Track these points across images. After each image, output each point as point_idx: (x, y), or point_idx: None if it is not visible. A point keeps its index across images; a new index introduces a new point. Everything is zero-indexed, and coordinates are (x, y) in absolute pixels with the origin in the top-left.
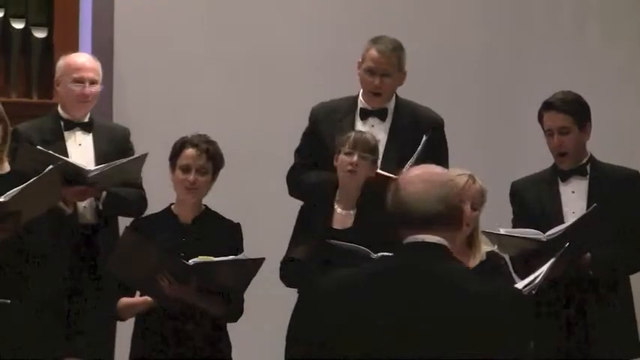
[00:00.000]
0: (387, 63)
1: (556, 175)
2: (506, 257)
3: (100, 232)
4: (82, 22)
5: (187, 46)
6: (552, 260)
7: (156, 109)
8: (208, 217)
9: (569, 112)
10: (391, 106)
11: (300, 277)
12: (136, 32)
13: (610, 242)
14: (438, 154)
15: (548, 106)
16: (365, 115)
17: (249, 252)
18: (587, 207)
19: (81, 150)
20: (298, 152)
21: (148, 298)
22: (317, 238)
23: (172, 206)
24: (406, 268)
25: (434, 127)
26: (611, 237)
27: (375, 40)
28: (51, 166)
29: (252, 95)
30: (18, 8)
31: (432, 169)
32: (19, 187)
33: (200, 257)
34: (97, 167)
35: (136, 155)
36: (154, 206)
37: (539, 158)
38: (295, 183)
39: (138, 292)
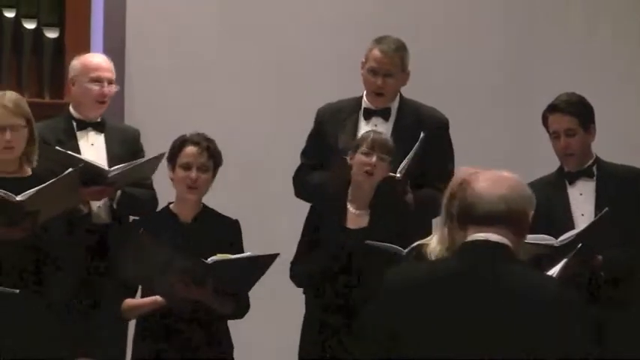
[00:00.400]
0: (390, 63)
1: (563, 177)
2: None
3: (112, 232)
4: (93, 23)
5: (199, 46)
6: (564, 261)
7: (167, 110)
8: (208, 215)
9: (574, 114)
10: (395, 105)
11: (311, 280)
12: (147, 32)
13: (620, 243)
14: (441, 153)
15: (553, 108)
16: (368, 114)
17: (254, 251)
18: (596, 208)
19: (94, 150)
20: (304, 153)
21: (157, 298)
22: (331, 239)
23: (171, 205)
24: (469, 269)
25: (438, 126)
26: (621, 237)
27: (379, 40)
28: (70, 169)
29: (263, 96)
30: (30, 9)
31: (502, 172)
32: (37, 187)
33: (218, 255)
34: (116, 167)
35: (153, 155)
36: (162, 206)
37: (552, 161)
38: (300, 184)
39: (139, 293)
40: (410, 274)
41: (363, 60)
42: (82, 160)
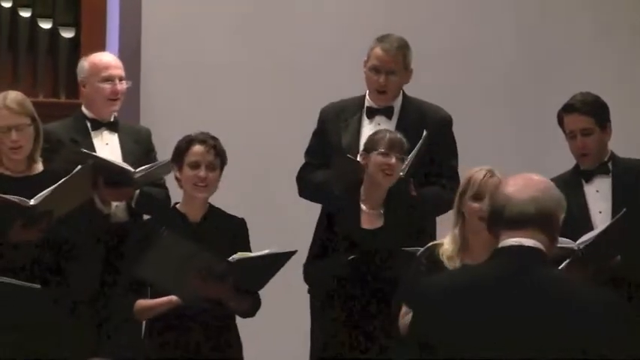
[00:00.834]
0: (392, 61)
1: (579, 176)
2: None
3: (130, 230)
4: (109, 22)
5: (214, 45)
6: (561, 266)
7: (183, 108)
8: (215, 214)
9: (590, 114)
10: (398, 104)
11: (327, 284)
12: (163, 31)
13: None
14: (445, 151)
15: (568, 108)
16: (371, 113)
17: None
18: (613, 205)
19: (108, 149)
20: (307, 153)
21: (173, 298)
22: (346, 239)
23: (178, 205)
24: (505, 275)
25: (442, 124)
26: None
27: (381, 39)
28: (79, 166)
29: (278, 95)
30: (45, 8)
31: (531, 175)
32: (49, 188)
33: (239, 254)
34: (141, 169)
35: (169, 153)
36: None
37: (562, 159)
38: (304, 183)
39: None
40: (445, 283)
41: (366, 59)
42: (109, 162)
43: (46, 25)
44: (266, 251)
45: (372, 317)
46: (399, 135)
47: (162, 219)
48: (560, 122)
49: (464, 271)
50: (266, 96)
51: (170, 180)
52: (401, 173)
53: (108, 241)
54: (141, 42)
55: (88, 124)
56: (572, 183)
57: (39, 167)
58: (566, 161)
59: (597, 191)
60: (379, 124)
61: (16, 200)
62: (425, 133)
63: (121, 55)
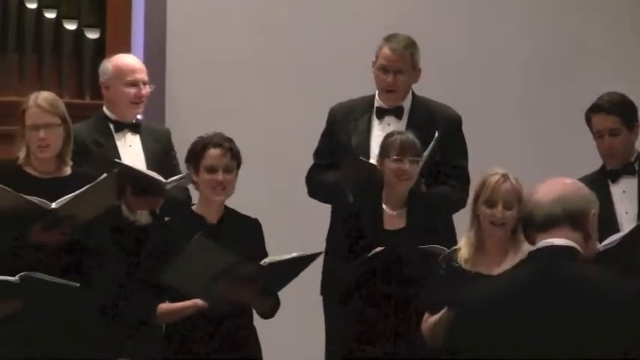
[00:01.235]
0: (400, 60)
1: (605, 176)
2: None
3: (150, 232)
4: (134, 23)
5: (239, 46)
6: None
7: (208, 110)
8: (231, 216)
9: (617, 114)
10: (407, 104)
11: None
12: (188, 33)
13: None
14: (455, 151)
15: (596, 108)
16: (381, 113)
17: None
18: (639, 205)
19: (131, 151)
20: (316, 154)
21: (198, 301)
22: (369, 241)
23: (194, 207)
24: (539, 275)
25: (451, 124)
26: None
27: (388, 38)
28: (105, 174)
29: (303, 94)
30: (70, 9)
31: (560, 178)
32: (72, 194)
33: (269, 257)
34: (172, 179)
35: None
36: None
37: (595, 158)
38: (314, 184)
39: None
40: (485, 290)
41: (374, 59)
42: (141, 173)
43: (71, 26)
44: (295, 254)
45: (394, 316)
46: (410, 136)
47: (181, 221)
48: (588, 122)
49: (500, 277)
50: (291, 95)
51: None
52: None
53: (130, 243)
54: (166, 43)
55: (111, 126)
56: (598, 183)
57: (67, 170)
58: (582, 162)
59: (624, 192)
60: (389, 125)
61: (37, 202)
62: (436, 134)
63: (146, 56)
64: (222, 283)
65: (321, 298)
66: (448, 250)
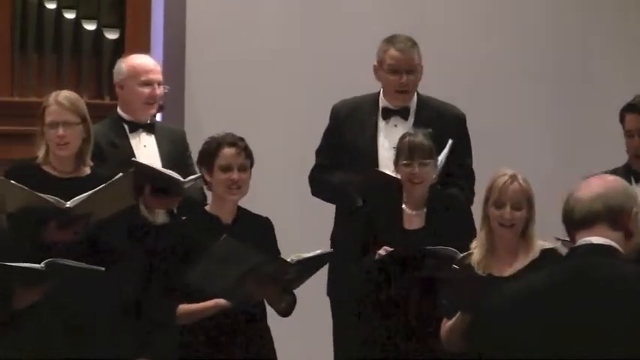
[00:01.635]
0: (410, 59)
1: (629, 175)
2: None
3: (168, 231)
4: (153, 23)
5: (259, 45)
6: None
7: (227, 109)
8: (245, 215)
9: None
10: (413, 104)
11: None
12: (207, 33)
13: None
14: (460, 150)
15: (631, 108)
16: (387, 114)
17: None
18: None
19: (146, 151)
20: (319, 153)
21: (220, 301)
22: (388, 240)
23: (207, 207)
24: (576, 275)
25: (457, 122)
26: None
27: (391, 40)
28: (121, 174)
29: (324, 93)
30: (90, 10)
31: (602, 175)
32: (88, 192)
33: (294, 255)
34: (190, 178)
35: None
36: None
37: (620, 155)
38: (318, 184)
39: None
40: (517, 290)
41: (377, 63)
42: (160, 172)
43: (90, 26)
44: (318, 251)
45: (409, 316)
46: (419, 138)
47: (196, 221)
48: (622, 120)
49: (535, 278)
50: (310, 94)
51: None
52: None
53: (147, 242)
54: (185, 42)
55: (126, 127)
56: None
57: (87, 170)
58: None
59: None
60: (395, 126)
61: (51, 200)
62: (450, 141)
63: (166, 56)
64: (250, 282)
65: (327, 298)
66: (463, 255)
